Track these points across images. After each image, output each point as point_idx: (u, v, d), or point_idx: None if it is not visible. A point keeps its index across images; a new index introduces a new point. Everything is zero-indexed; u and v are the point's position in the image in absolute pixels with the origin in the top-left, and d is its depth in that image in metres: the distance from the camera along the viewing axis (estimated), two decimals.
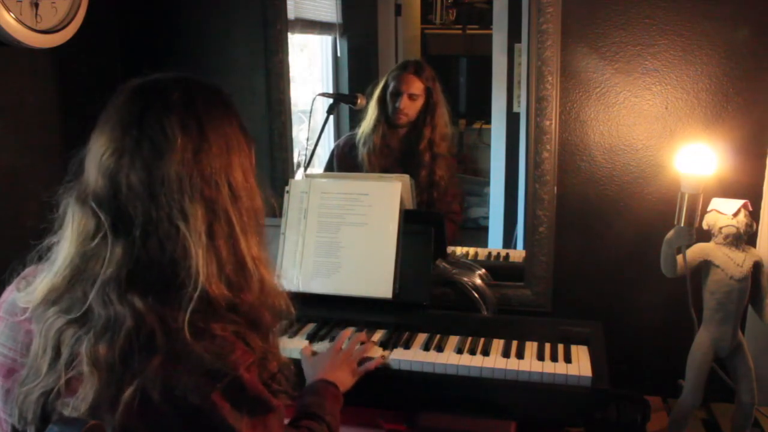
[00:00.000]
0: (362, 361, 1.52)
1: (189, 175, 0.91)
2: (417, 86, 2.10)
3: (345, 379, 1.43)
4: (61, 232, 0.96)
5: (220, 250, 0.93)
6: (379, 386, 1.56)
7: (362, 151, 2.16)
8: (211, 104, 0.97)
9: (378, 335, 1.69)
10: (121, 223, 0.91)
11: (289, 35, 2.05)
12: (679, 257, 1.58)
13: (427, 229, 1.78)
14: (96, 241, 0.91)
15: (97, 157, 0.93)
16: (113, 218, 0.91)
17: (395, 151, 2.16)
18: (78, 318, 0.90)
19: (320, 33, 2.32)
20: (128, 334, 0.87)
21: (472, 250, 2.10)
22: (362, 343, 1.58)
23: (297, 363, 1.48)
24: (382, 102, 2.14)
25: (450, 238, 2.02)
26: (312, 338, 1.67)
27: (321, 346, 1.62)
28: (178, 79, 0.97)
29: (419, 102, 2.11)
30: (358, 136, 2.18)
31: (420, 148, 2.11)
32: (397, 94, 2.11)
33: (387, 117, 2.14)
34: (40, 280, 0.95)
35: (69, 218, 0.94)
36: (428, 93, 2.10)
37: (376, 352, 1.58)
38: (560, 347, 1.60)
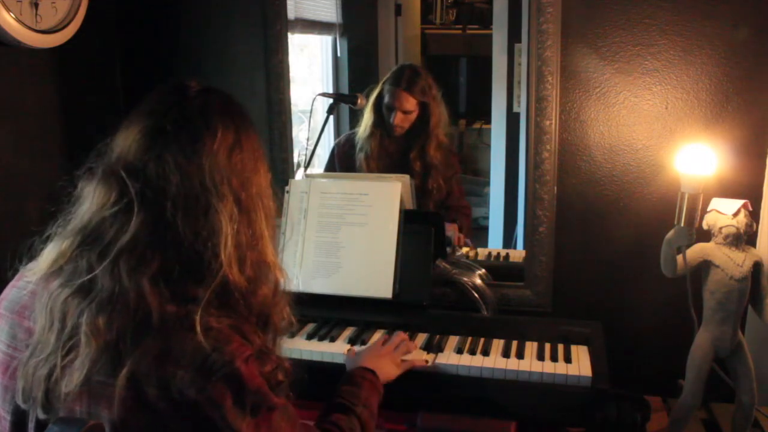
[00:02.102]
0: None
1: (224, 166, 0.96)
2: (410, 103, 2.09)
3: (388, 370, 1.39)
4: (74, 208, 0.98)
5: (243, 241, 0.97)
6: None
7: (360, 156, 2.15)
8: (243, 114, 1.04)
9: (378, 335, 1.69)
10: (150, 192, 0.93)
11: (289, 35, 2.05)
12: (679, 257, 1.58)
13: (427, 229, 1.78)
14: (118, 207, 0.93)
15: (131, 135, 0.97)
16: (141, 187, 0.93)
17: (393, 155, 2.15)
18: (82, 286, 0.91)
19: (320, 33, 2.32)
20: (127, 310, 0.88)
21: (472, 251, 2.10)
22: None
23: (297, 363, 1.49)
24: (377, 109, 2.13)
25: (467, 230, 2.02)
26: (312, 338, 1.67)
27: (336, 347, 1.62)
28: (215, 88, 1.04)
29: (414, 115, 2.11)
30: (357, 137, 2.18)
31: (410, 156, 2.11)
32: (391, 109, 2.10)
33: (383, 124, 2.13)
34: (49, 249, 0.97)
35: (89, 190, 0.96)
36: (422, 106, 2.10)
37: (420, 355, 1.57)
38: (560, 347, 1.60)
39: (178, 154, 0.94)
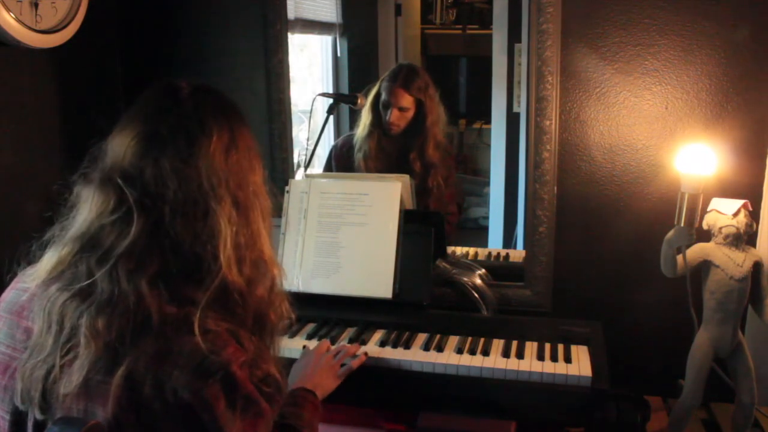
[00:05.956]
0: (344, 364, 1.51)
1: (221, 168, 0.97)
2: (406, 99, 2.08)
3: (327, 385, 1.42)
4: (72, 214, 0.98)
5: (242, 242, 0.98)
6: (379, 386, 1.56)
7: (358, 156, 2.15)
8: (236, 111, 1.04)
9: (378, 335, 1.69)
10: (148, 199, 0.93)
11: (289, 35, 2.05)
12: (679, 257, 1.58)
13: (427, 229, 1.79)
14: (117, 215, 0.93)
15: (125, 140, 0.97)
16: (140, 194, 0.93)
17: (391, 155, 2.15)
18: (81, 290, 0.92)
19: (320, 33, 2.32)
20: (127, 312, 0.89)
21: (472, 250, 2.10)
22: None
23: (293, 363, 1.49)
24: (375, 108, 2.13)
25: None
26: (312, 338, 1.67)
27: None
28: (206, 86, 1.04)
29: (410, 113, 2.10)
30: (355, 139, 2.18)
31: (410, 157, 2.10)
32: (387, 106, 2.10)
33: (381, 123, 2.13)
34: (48, 256, 0.97)
35: (87, 197, 0.96)
36: (419, 103, 2.09)
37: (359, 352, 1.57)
38: (560, 347, 1.60)
39: (175, 159, 0.94)
